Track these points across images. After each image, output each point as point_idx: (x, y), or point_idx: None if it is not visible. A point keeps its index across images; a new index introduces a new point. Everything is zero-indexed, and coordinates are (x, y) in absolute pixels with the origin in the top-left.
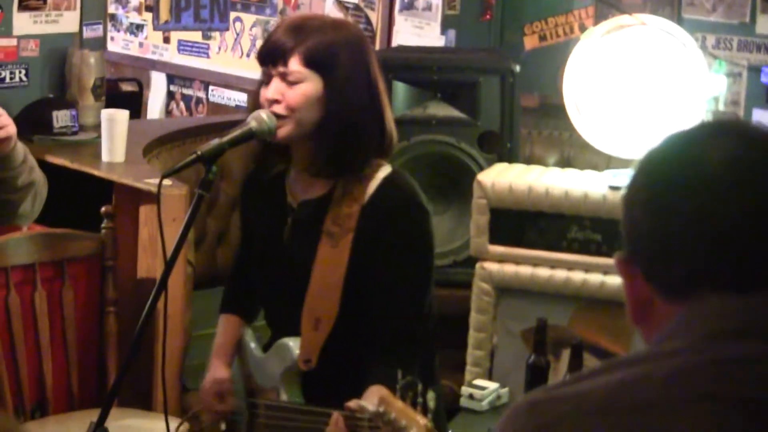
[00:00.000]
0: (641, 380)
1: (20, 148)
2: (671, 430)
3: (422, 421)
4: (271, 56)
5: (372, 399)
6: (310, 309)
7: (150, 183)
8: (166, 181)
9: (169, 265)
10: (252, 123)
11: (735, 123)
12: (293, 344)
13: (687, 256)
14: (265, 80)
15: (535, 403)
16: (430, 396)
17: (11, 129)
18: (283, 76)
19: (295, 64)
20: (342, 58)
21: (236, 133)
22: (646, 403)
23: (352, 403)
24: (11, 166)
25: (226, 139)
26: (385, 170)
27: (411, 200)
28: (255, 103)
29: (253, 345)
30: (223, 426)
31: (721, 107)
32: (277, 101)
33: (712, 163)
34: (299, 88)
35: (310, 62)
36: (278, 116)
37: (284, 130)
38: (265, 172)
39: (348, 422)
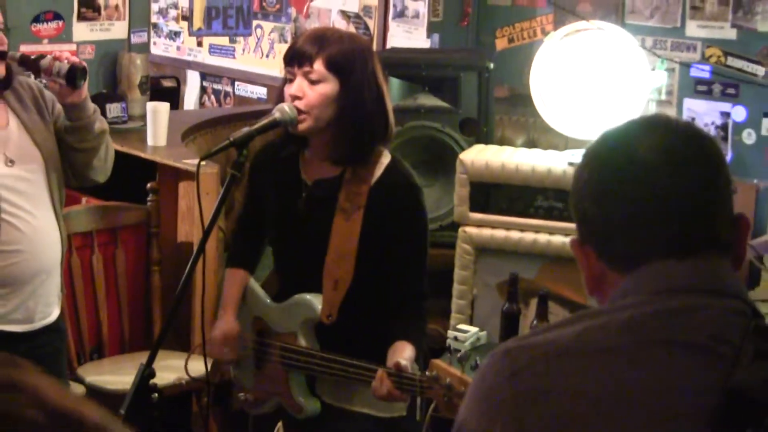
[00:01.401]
0: (600, 329)
1: (90, 101)
2: (627, 369)
3: None
4: (297, 58)
5: (402, 354)
6: (329, 272)
7: (188, 163)
8: (202, 162)
9: (206, 232)
10: (276, 114)
11: (660, 117)
12: (314, 300)
13: (630, 233)
14: (289, 79)
15: (510, 350)
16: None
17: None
18: (307, 75)
19: (319, 66)
20: (357, 65)
21: (263, 122)
22: (605, 348)
23: (400, 363)
24: (87, 114)
25: (255, 127)
26: (386, 157)
27: (411, 182)
28: (279, 98)
29: (262, 294)
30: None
31: (663, 97)
32: (298, 97)
33: (643, 154)
34: (319, 87)
35: (331, 66)
36: (299, 110)
37: (304, 125)
38: (277, 153)
39: (393, 380)
